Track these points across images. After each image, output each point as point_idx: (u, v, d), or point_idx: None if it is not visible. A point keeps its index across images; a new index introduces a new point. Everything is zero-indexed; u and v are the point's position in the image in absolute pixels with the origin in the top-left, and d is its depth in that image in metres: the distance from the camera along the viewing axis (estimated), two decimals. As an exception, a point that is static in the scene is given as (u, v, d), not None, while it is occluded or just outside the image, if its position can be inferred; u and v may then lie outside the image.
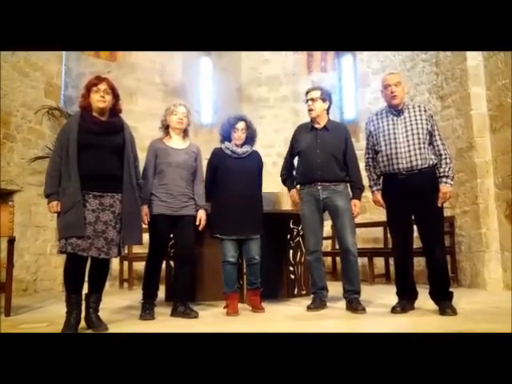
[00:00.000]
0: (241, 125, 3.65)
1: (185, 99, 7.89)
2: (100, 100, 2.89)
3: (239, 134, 3.65)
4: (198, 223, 3.45)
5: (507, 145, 4.51)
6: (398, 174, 3.25)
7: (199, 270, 4.24)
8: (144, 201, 3.23)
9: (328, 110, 3.70)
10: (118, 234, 2.88)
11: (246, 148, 3.69)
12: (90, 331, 2.81)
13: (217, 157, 3.68)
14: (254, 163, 3.72)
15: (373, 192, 3.50)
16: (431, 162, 3.23)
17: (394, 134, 3.30)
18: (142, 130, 5.99)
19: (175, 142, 3.52)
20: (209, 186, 3.65)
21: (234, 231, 3.51)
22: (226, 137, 3.71)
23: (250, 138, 3.72)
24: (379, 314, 3.28)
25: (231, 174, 3.58)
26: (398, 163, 3.24)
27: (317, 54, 7.91)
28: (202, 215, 3.47)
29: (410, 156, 3.21)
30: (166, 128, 3.56)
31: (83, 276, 2.89)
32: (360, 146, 6.90)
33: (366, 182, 3.60)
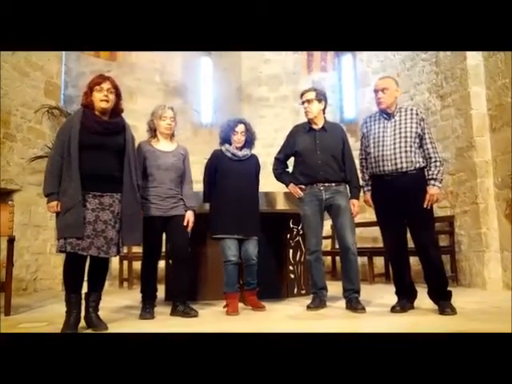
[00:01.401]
0: (240, 128, 3.68)
1: (185, 99, 7.91)
2: (103, 100, 2.87)
3: (239, 137, 3.68)
4: (185, 224, 3.42)
5: (507, 144, 4.52)
6: (385, 175, 3.29)
7: (202, 270, 4.26)
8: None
9: (324, 109, 3.71)
10: (117, 234, 2.88)
11: (246, 151, 3.72)
12: (89, 331, 2.82)
13: (216, 158, 3.72)
14: (252, 166, 3.76)
15: (364, 192, 3.55)
16: (418, 165, 3.25)
17: (383, 136, 3.34)
18: (142, 129, 5.94)
19: (163, 144, 3.52)
20: (208, 188, 3.69)
21: (234, 230, 3.53)
22: (226, 140, 3.74)
23: (249, 141, 3.75)
24: (379, 313, 3.29)
25: (230, 176, 3.61)
26: (383, 165, 3.29)
27: (317, 54, 7.92)
28: (189, 216, 3.45)
29: (396, 159, 3.24)
30: (153, 131, 3.55)
31: (82, 275, 2.89)
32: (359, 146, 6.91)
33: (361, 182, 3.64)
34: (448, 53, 5.34)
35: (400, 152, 3.24)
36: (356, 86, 7.56)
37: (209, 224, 3.62)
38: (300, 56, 7.97)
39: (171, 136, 3.58)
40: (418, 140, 3.29)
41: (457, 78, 5.16)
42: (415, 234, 3.27)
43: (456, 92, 5.19)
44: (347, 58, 7.83)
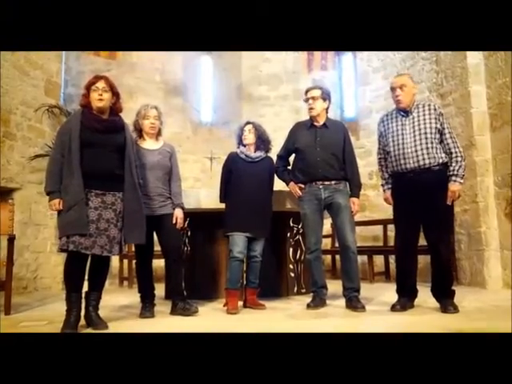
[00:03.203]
0: (247, 127, 3.80)
1: (185, 98, 7.90)
2: (98, 98, 2.88)
3: (245, 134, 3.78)
4: (174, 222, 3.42)
5: (507, 143, 4.51)
6: (407, 173, 3.27)
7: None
8: None
9: (327, 109, 3.71)
10: (120, 232, 2.89)
11: (260, 153, 3.78)
12: (89, 329, 2.82)
13: (231, 160, 3.80)
14: (266, 167, 3.80)
15: (384, 191, 3.54)
16: (441, 161, 3.22)
17: (402, 134, 3.31)
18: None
19: (149, 143, 3.52)
20: (224, 188, 3.78)
21: (244, 228, 3.58)
22: (240, 141, 3.84)
23: (262, 142, 3.80)
24: (379, 312, 3.29)
25: (244, 177, 3.67)
26: (405, 163, 3.26)
27: (317, 53, 7.90)
28: (178, 214, 3.45)
29: (417, 156, 3.21)
30: (139, 131, 3.55)
31: (84, 274, 2.89)
32: (360, 145, 6.91)
33: (363, 180, 3.64)
34: (448, 51, 5.33)
35: (421, 149, 3.21)
36: (356, 85, 7.55)
37: (223, 223, 3.70)
38: (300, 55, 7.95)
39: (157, 135, 3.58)
40: (438, 135, 3.25)
41: (457, 76, 5.16)
42: (430, 229, 3.24)
43: (456, 91, 5.19)
44: (347, 56, 7.82)
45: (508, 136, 4.50)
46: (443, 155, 3.23)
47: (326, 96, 3.68)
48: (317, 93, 3.65)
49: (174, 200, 3.48)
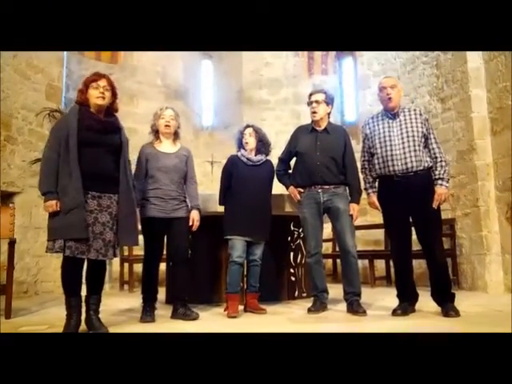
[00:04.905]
0: (247, 130, 3.80)
1: (186, 101, 7.91)
2: (99, 97, 2.86)
3: (246, 137, 3.78)
4: (190, 224, 3.43)
5: (508, 147, 4.51)
6: (394, 176, 3.28)
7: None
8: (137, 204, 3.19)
9: (329, 114, 3.72)
10: (115, 236, 2.86)
11: (261, 156, 3.79)
12: (90, 333, 2.81)
13: (232, 163, 3.79)
14: (267, 171, 3.81)
15: (368, 194, 3.53)
16: (426, 165, 3.26)
17: (390, 136, 3.33)
18: (142, 132, 5.94)
19: (165, 146, 3.53)
20: (223, 191, 3.77)
21: (244, 232, 3.57)
22: (240, 145, 3.84)
23: (263, 146, 3.81)
24: (380, 316, 3.28)
25: (245, 181, 3.67)
26: (393, 165, 3.27)
27: (317, 57, 7.93)
28: (194, 216, 3.45)
29: (406, 158, 3.23)
30: (156, 132, 3.56)
31: (81, 278, 2.88)
32: (360, 148, 6.92)
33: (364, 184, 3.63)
34: (449, 56, 5.35)
35: (409, 151, 3.24)
36: (357, 89, 7.57)
37: (223, 226, 3.70)
38: (301, 59, 7.98)
39: (174, 137, 3.59)
40: (423, 140, 3.30)
41: (457, 80, 5.17)
42: (423, 234, 3.26)
43: (457, 95, 5.20)
44: (348, 60, 7.85)
45: (509, 140, 4.50)
46: (428, 159, 3.28)
47: (329, 100, 3.69)
48: (321, 97, 3.66)
49: (190, 202, 3.48)
